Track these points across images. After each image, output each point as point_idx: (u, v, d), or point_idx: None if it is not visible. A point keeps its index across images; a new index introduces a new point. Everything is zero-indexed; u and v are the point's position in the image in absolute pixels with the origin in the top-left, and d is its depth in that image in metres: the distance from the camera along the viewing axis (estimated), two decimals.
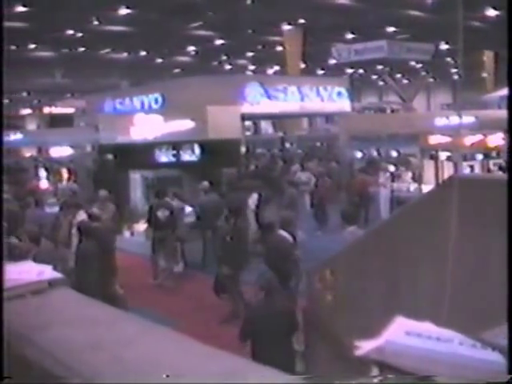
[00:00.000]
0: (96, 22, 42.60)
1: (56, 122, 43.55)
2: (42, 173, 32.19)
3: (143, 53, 54.35)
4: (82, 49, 50.90)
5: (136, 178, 23.97)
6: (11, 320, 2.63)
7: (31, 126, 47.18)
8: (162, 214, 15.75)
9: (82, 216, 13.63)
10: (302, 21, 43.44)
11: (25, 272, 3.11)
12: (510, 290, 2.35)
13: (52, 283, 3.07)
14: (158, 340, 2.35)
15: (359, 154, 32.23)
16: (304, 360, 8.96)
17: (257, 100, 26.27)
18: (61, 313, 2.74)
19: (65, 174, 31.78)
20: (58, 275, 3.14)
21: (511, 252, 2.56)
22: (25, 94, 63.99)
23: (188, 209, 18.42)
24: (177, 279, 15.16)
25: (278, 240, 11.14)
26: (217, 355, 2.17)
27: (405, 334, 2.05)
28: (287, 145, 44.44)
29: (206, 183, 18.31)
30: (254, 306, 9.19)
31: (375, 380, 1.91)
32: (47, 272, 3.14)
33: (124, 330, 2.48)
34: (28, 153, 37.29)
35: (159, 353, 2.18)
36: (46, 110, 49.08)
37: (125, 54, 54.94)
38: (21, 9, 37.80)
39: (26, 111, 51.01)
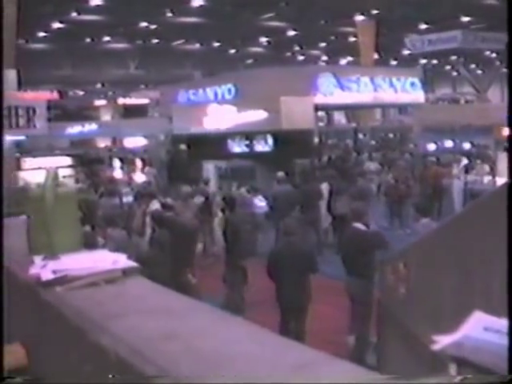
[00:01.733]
0: (169, 14, 42.91)
1: (130, 112, 43.96)
2: (117, 163, 32.56)
3: (216, 44, 54.57)
4: (156, 40, 51.36)
5: (209, 168, 24.09)
6: (86, 307, 2.66)
7: (106, 116, 47.65)
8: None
9: (155, 205, 13.73)
10: (375, 11, 43.07)
11: (100, 260, 3.14)
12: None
13: (126, 272, 3.09)
14: (232, 330, 2.34)
15: (433, 146, 31.85)
16: (376, 352, 8.92)
17: (330, 91, 26.14)
18: (135, 302, 2.75)
19: (139, 164, 32.08)
20: (132, 264, 3.16)
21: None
22: (99, 85, 64.84)
23: (260, 199, 18.45)
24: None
25: (354, 232, 10.99)
26: (292, 347, 2.15)
27: (483, 330, 2.00)
28: (360, 136, 44.16)
29: (281, 174, 18.30)
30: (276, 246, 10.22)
31: (456, 380, 1.86)
32: (121, 261, 3.16)
33: (198, 319, 2.47)
34: (102, 143, 37.74)
35: (233, 343, 2.17)
36: (121, 100, 49.56)
37: (198, 45, 55.24)
38: (96, 2, 38.24)
39: (101, 102, 51.55)
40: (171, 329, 2.31)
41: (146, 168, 30.43)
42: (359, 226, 10.70)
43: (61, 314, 2.74)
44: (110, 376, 2.20)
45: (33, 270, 3.18)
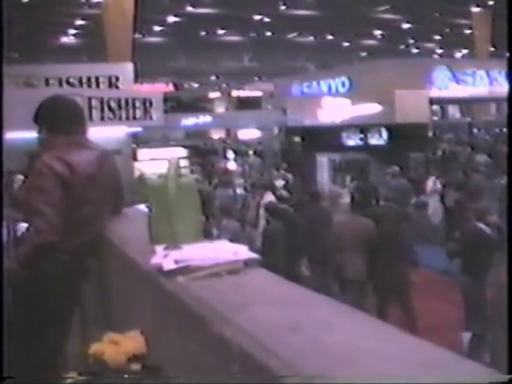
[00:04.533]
0: (283, 7, 42.99)
1: (244, 104, 44.26)
2: (230, 154, 32.86)
3: (330, 36, 54.37)
4: (270, 33, 51.50)
5: (323, 160, 24.08)
6: (209, 298, 2.66)
7: (220, 108, 48.06)
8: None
9: (269, 197, 13.80)
10: (491, 2, 42.10)
11: (221, 251, 3.14)
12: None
13: (248, 263, 3.07)
14: (357, 325, 2.29)
15: None
16: (490, 349, 8.78)
17: (445, 84, 25.79)
18: (257, 293, 2.73)
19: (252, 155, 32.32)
20: (253, 255, 3.15)
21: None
22: (214, 77, 65.52)
23: None
24: None
25: (475, 232, 10.67)
26: (418, 344, 2.09)
27: None
28: (475, 130, 43.27)
29: (395, 168, 18.11)
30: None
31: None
32: (243, 252, 3.15)
33: (321, 312, 2.43)
34: (216, 135, 38.15)
35: (358, 339, 2.12)
36: (235, 93, 49.91)
37: (311, 38, 55.13)
38: None
39: (215, 94, 52.06)
40: (295, 321, 2.27)
41: (251, 159, 30.58)
42: (481, 225, 10.42)
43: (183, 303, 2.74)
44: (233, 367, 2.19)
45: (154, 260, 3.20)
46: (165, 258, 3.13)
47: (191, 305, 2.66)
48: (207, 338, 2.44)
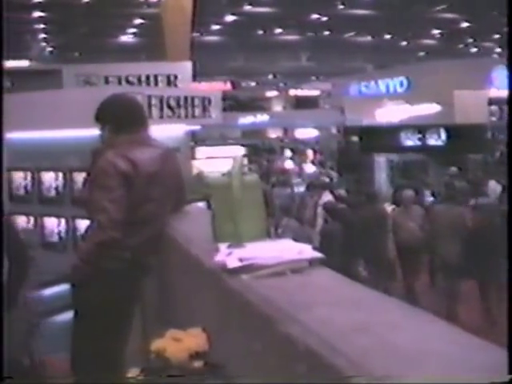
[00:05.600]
0: (341, 6, 42.89)
1: (301, 104, 44.25)
2: (288, 153, 32.84)
3: (387, 36, 54.08)
4: (327, 32, 51.41)
5: (380, 160, 23.92)
6: (274, 296, 2.65)
7: (277, 107, 48.11)
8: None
9: (327, 197, 13.74)
10: None
11: (286, 250, 3.13)
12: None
13: (312, 262, 3.06)
14: (424, 326, 2.26)
15: None
16: None
17: (504, 84, 25.44)
18: (322, 292, 2.71)
19: (310, 155, 32.23)
20: (317, 254, 3.13)
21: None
22: (271, 76, 65.56)
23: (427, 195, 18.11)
24: None
25: None
26: (488, 348, 2.05)
27: None
28: None
29: (453, 169, 17.90)
30: None
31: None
32: (307, 251, 3.13)
33: (387, 312, 2.41)
34: (274, 134, 38.17)
35: (426, 340, 2.09)
36: (292, 92, 49.90)
37: (369, 38, 54.91)
38: None
39: (272, 93, 52.12)
40: (361, 321, 2.26)
41: (319, 158, 30.45)
42: None
43: (247, 301, 2.73)
44: (298, 367, 2.18)
45: (218, 258, 3.20)
46: (229, 256, 3.13)
47: (256, 303, 2.65)
48: (272, 337, 2.43)
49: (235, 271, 3.00)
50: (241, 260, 3.03)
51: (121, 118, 4.73)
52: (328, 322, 2.29)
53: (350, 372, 1.89)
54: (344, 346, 2.05)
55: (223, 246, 3.33)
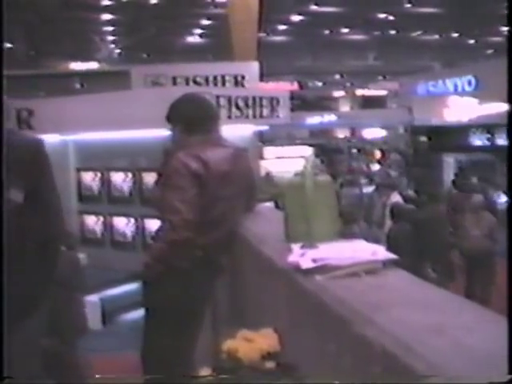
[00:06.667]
0: (408, 5, 42.57)
1: (368, 103, 44.11)
2: (355, 153, 32.74)
3: (455, 34, 53.46)
4: (394, 31, 51.06)
5: (449, 160, 23.68)
6: (348, 297, 2.64)
7: (344, 107, 48.01)
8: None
9: (396, 198, 13.65)
10: None
11: (359, 250, 3.11)
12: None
13: (386, 263, 3.04)
14: (500, 329, 2.23)
15: None
16: None
17: None
18: (397, 294, 2.69)
19: (377, 155, 32.08)
20: (391, 256, 3.11)
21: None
22: (338, 76, 65.39)
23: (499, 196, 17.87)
24: None
25: None
26: None
27: None
28: None
29: None
30: None
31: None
32: (381, 252, 3.12)
33: (462, 314, 2.38)
34: (341, 134, 38.10)
35: (501, 343, 2.06)
36: (359, 91, 49.74)
37: (436, 36, 54.35)
38: None
39: (340, 93, 52.04)
40: (437, 323, 2.23)
41: (392, 156, 30.19)
42: None
43: (322, 302, 2.72)
44: (374, 369, 2.17)
45: (291, 258, 3.19)
46: (302, 257, 3.12)
47: (331, 304, 2.64)
48: (347, 338, 2.43)
49: (309, 272, 2.99)
50: (314, 261, 3.02)
51: (193, 118, 4.74)
52: (403, 323, 2.28)
53: (426, 374, 1.87)
54: (421, 348, 2.03)
55: (296, 247, 3.32)
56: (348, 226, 11.72)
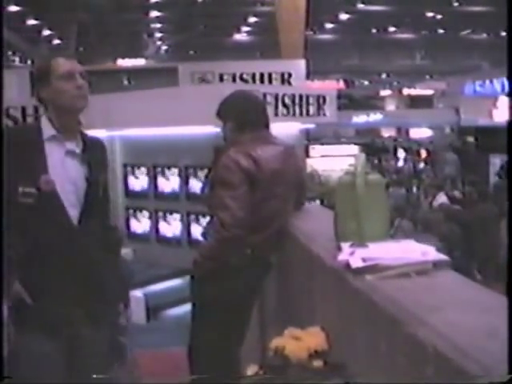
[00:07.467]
0: (456, 3, 42.26)
1: (415, 103, 43.87)
2: (401, 153, 32.56)
3: (504, 33, 52.89)
4: (442, 30, 50.71)
5: (496, 162, 23.43)
6: (400, 298, 2.62)
7: (390, 106, 47.79)
8: None
9: (442, 198, 13.56)
10: None
11: (409, 251, 3.09)
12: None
13: (436, 264, 3.02)
14: None
15: None
16: None
17: None
18: (449, 295, 2.67)
19: (423, 154, 31.86)
20: (442, 257, 3.08)
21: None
22: (384, 75, 65.13)
23: None
24: None
25: None
26: None
27: None
28: None
29: None
30: None
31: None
32: (432, 253, 3.09)
33: None
34: (387, 133, 37.95)
35: None
36: (406, 91, 49.47)
37: (484, 35, 53.87)
38: None
39: (386, 92, 51.80)
40: (490, 326, 2.22)
41: (448, 156, 29.87)
42: None
43: (372, 302, 2.72)
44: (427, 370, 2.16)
45: (341, 257, 3.18)
46: (352, 256, 3.12)
47: (382, 304, 2.63)
48: (399, 338, 2.42)
49: (359, 271, 2.98)
50: (364, 260, 3.01)
51: (245, 116, 4.74)
52: (456, 325, 2.26)
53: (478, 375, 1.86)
54: (475, 351, 2.02)
55: (345, 246, 3.31)
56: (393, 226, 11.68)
